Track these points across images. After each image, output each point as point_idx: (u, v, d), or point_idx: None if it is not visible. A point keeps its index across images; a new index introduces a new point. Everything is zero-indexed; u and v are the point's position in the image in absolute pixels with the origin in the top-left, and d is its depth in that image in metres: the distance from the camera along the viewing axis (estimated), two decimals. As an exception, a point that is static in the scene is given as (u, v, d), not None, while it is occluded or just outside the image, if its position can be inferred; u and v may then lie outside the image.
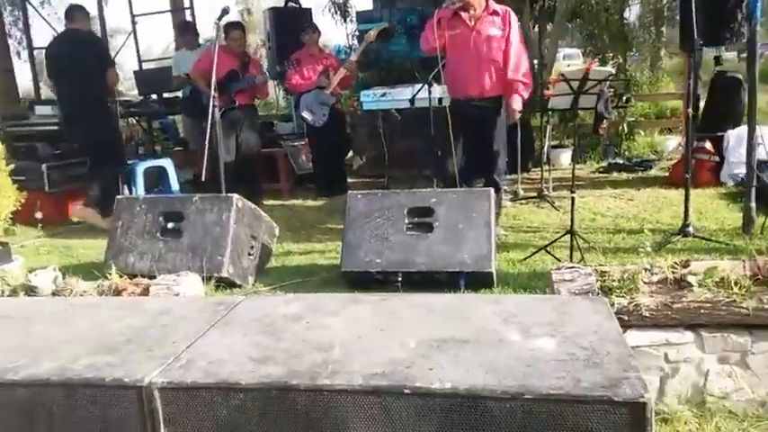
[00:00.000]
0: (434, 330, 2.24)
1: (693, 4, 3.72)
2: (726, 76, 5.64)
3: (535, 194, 5.67)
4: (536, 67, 11.81)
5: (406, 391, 1.79)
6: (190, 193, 4.87)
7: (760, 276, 2.46)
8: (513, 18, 4.12)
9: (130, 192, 5.88)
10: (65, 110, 5.51)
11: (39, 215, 5.50)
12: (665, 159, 7.14)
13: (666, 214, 4.75)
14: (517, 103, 4.06)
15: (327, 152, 6.37)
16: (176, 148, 7.47)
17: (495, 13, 4.06)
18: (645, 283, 2.55)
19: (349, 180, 7.08)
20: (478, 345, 2.09)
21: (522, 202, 5.61)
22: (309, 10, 8.23)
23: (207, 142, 3.92)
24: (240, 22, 6.06)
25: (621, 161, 7.18)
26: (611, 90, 4.16)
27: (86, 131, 5.34)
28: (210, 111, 3.88)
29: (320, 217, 5.58)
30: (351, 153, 8.04)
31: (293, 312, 2.49)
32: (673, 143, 7.63)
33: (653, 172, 6.66)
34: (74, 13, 5.41)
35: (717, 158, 5.70)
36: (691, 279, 2.49)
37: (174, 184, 6.07)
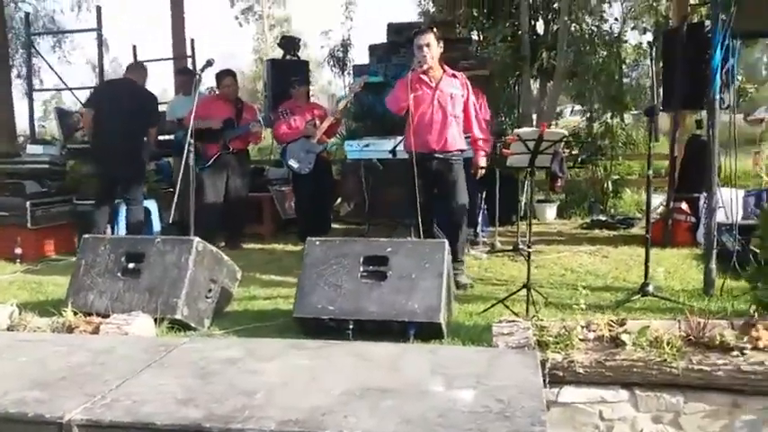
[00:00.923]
0: (362, 379, 2.27)
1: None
2: (699, 139, 5.75)
3: (511, 248, 5.71)
4: (534, 122, 12.07)
5: (316, 438, 1.81)
6: (174, 234, 4.95)
7: (692, 337, 2.48)
8: (468, 83, 4.46)
9: (113, 231, 5.98)
10: (101, 148, 5.71)
11: (18, 251, 5.60)
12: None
13: (636, 273, 4.75)
14: (482, 161, 4.40)
15: (311, 198, 6.46)
16: (168, 190, 7.61)
17: (453, 75, 4.38)
18: (581, 339, 2.57)
19: (333, 226, 7.17)
20: (400, 395, 2.12)
21: (498, 254, 5.65)
22: (307, 63, 8.52)
23: (178, 186, 4.01)
24: (231, 70, 6.26)
25: (605, 218, 7.23)
26: (566, 151, 4.28)
27: (120, 172, 5.63)
28: (185, 156, 3.99)
29: (297, 262, 5.59)
30: (339, 200, 8.16)
31: (230, 356, 2.52)
32: (657, 202, 7.69)
33: (634, 230, 6.69)
34: (135, 68, 6.01)
35: (693, 219, 5.75)
36: (624, 337, 2.51)
37: (156, 226, 6.16)
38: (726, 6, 3.81)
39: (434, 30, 4.35)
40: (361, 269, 3.31)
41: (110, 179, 5.70)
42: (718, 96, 4.00)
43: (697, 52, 4.94)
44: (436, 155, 4.25)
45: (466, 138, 4.49)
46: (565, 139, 3.88)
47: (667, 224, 5.80)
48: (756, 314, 2.52)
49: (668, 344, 2.44)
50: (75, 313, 3.25)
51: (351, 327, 3.19)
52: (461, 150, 4.36)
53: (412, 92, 4.10)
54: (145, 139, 5.86)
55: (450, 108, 4.25)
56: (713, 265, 3.91)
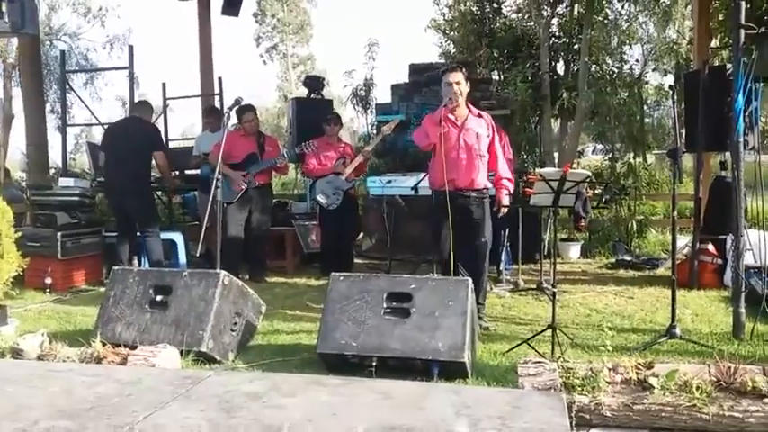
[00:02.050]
0: (385, 417, 2.26)
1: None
2: (724, 180, 5.71)
3: (534, 286, 5.67)
4: (556, 161, 12.08)
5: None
6: (200, 267, 5.02)
7: (722, 382, 2.43)
8: (494, 123, 4.51)
9: (140, 263, 6.09)
10: (110, 183, 6.02)
11: (48, 280, 5.72)
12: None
13: (662, 314, 4.68)
14: (506, 200, 4.42)
15: (337, 234, 6.52)
16: (194, 223, 7.74)
17: (479, 116, 4.42)
18: (608, 382, 2.54)
19: (355, 261, 7.20)
20: (424, 434, 2.10)
21: (522, 293, 5.61)
22: (331, 101, 8.69)
23: (206, 220, 4.09)
24: (251, 105, 6.38)
25: (629, 258, 7.15)
26: (590, 191, 4.29)
27: (127, 204, 5.83)
28: (213, 191, 4.08)
29: (320, 296, 5.62)
30: (361, 234, 8.21)
31: (254, 390, 2.54)
32: (683, 243, 7.61)
33: (660, 271, 6.60)
34: (141, 107, 6.31)
35: (720, 261, 5.67)
36: (652, 381, 2.47)
37: (182, 258, 6.25)
38: (747, 51, 3.84)
39: (463, 69, 4.41)
40: (385, 305, 3.32)
41: (123, 212, 5.91)
42: (741, 138, 3.99)
43: (719, 95, 4.96)
44: (464, 193, 4.27)
45: (489, 176, 4.52)
46: (588, 180, 3.89)
47: (693, 266, 5.72)
48: (789, 359, 2.47)
49: (698, 388, 2.40)
50: (104, 344, 3.29)
51: (374, 363, 3.18)
52: (487, 189, 4.39)
53: (440, 128, 4.13)
54: (152, 173, 6.14)
55: (477, 147, 4.28)
56: (742, 309, 3.84)
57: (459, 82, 4.25)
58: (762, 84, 4.50)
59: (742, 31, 3.75)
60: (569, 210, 4.87)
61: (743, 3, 3.74)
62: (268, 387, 2.54)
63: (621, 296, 5.47)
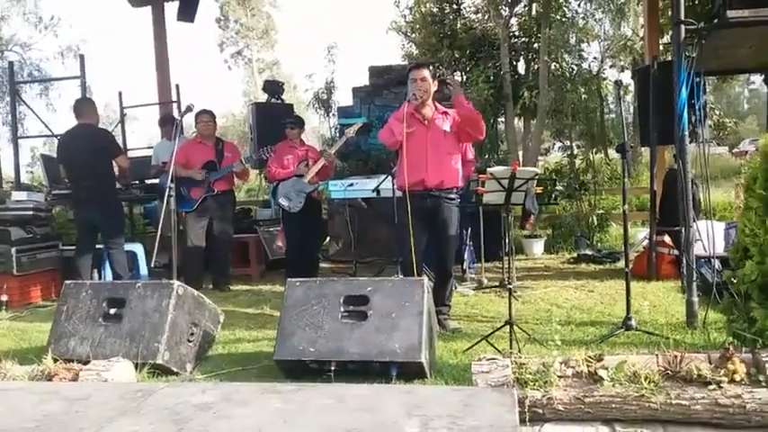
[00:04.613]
0: (337, 422, 2.25)
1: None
2: (676, 172, 5.84)
3: (497, 284, 5.72)
4: (520, 159, 12.21)
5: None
6: (162, 277, 4.94)
7: (669, 371, 2.48)
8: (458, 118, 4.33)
9: (100, 276, 5.96)
10: (76, 195, 5.76)
11: (4, 297, 5.57)
12: (632, 252, 7.23)
13: (621, 307, 4.74)
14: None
15: (301, 238, 6.48)
16: (156, 233, 7.61)
17: (444, 113, 4.28)
18: (559, 376, 2.57)
19: (321, 266, 7.16)
20: (375, 437, 2.10)
21: (486, 291, 5.66)
22: (291, 105, 8.65)
23: (162, 230, 4.02)
24: (208, 109, 6.31)
25: (591, 252, 7.28)
26: (541, 188, 4.31)
27: (95, 215, 5.60)
28: (166, 199, 4.02)
29: (284, 303, 5.60)
30: (328, 239, 8.19)
31: (206, 401, 2.50)
32: (642, 235, 7.76)
33: (620, 264, 6.71)
34: (82, 108, 5.72)
35: (676, 252, 5.79)
36: (602, 373, 2.51)
37: (144, 270, 6.15)
38: (690, 46, 3.94)
39: (430, 67, 4.31)
40: (342, 309, 3.30)
41: (88, 224, 5.68)
42: (687, 132, 4.09)
43: (668, 90, 5.07)
44: (431, 193, 4.17)
45: None
46: (537, 177, 3.93)
47: (651, 257, 5.84)
48: (732, 347, 2.53)
49: (646, 378, 2.45)
50: (56, 360, 3.21)
51: (332, 368, 3.17)
52: (456, 187, 4.27)
53: (406, 127, 4.02)
54: (116, 178, 5.91)
55: (445, 145, 4.17)
56: (695, 298, 3.94)
57: (424, 78, 4.14)
58: (705, 78, 4.61)
59: (682, 27, 3.85)
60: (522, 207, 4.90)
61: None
62: (220, 397, 2.51)
63: (582, 290, 5.56)
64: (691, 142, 4.87)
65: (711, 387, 2.43)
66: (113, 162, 5.80)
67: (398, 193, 4.60)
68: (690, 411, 2.42)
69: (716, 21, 4.02)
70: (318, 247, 7.43)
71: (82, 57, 7.53)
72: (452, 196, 4.27)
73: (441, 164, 4.19)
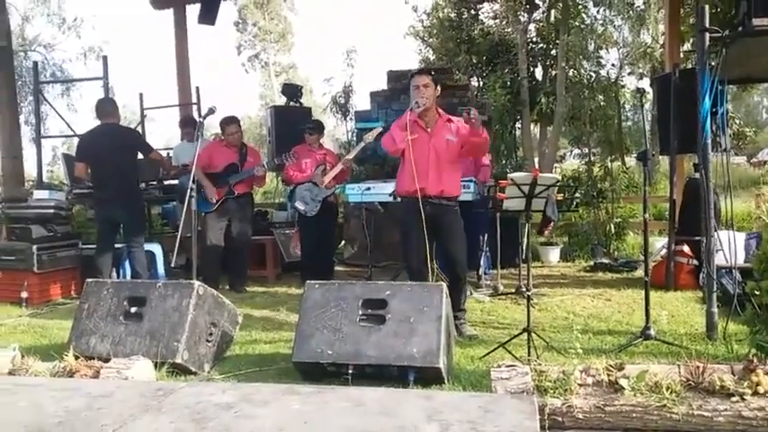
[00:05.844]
0: (356, 425, 2.26)
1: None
2: (697, 182, 5.77)
3: (513, 290, 5.70)
4: (537, 165, 12.15)
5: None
6: (181, 277, 4.97)
7: (692, 382, 2.46)
8: (463, 127, 4.30)
9: (118, 275, 6.02)
10: (99, 194, 5.76)
11: (24, 295, 5.64)
12: (650, 261, 7.17)
13: (639, 316, 4.72)
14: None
15: (316, 241, 6.50)
16: (174, 234, 7.67)
17: (449, 120, 4.29)
18: (580, 384, 2.56)
19: (336, 269, 7.19)
20: (394, 441, 2.10)
21: (501, 297, 5.64)
22: (309, 109, 8.70)
23: (183, 230, 4.06)
24: (235, 117, 6.39)
25: (608, 261, 7.23)
26: (561, 195, 4.30)
27: (118, 213, 5.65)
28: (187, 200, 4.06)
29: (300, 305, 5.61)
30: (343, 242, 8.21)
31: (226, 401, 2.52)
32: (660, 245, 7.69)
33: (638, 273, 6.67)
34: (105, 108, 5.77)
35: (695, 262, 5.74)
36: (623, 382, 2.49)
37: (161, 269, 6.20)
38: (714, 54, 3.91)
39: (431, 72, 4.32)
40: (360, 312, 3.31)
41: (110, 222, 5.73)
42: (709, 140, 4.05)
43: (689, 98, 5.03)
44: (431, 200, 4.16)
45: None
46: (558, 184, 3.91)
47: (670, 267, 5.78)
48: (755, 359, 2.50)
49: (668, 389, 2.42)
50: (77, 357, 3.25)
51: (350, 371, 3.18)
52: (456, 197, 4.30)
53: (409, 134, 4.04)
54: (138, 181, 5.98)
55: (447, 154, 4.20)
56: (714, 309, 3.90)
57: (427, 85, 4.14)
58: (736, 86, 4.57)
59: (707, 35, 3.82)
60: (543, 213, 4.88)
61: (707, 7, 3.81)
62: (240, 398, 2.53)
63: (599, 299, 5.52)
64: (713, 151, 4.83)
65: (734, 399, 2.40)
66: (150, 158, 5.89)
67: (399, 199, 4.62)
68: (712, 423, 2.40)
69: (740, 28, 3.99)
70: (333, 251, 7.46)
71: (105, 58, 7.64)
72: (453, 204, 4.30)
73: (442, 173, 4.22)
